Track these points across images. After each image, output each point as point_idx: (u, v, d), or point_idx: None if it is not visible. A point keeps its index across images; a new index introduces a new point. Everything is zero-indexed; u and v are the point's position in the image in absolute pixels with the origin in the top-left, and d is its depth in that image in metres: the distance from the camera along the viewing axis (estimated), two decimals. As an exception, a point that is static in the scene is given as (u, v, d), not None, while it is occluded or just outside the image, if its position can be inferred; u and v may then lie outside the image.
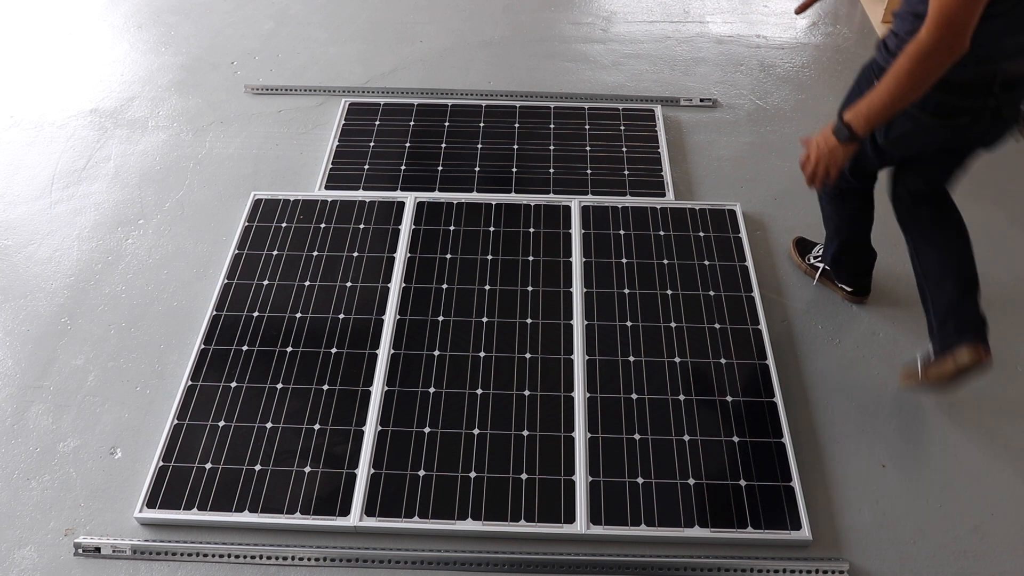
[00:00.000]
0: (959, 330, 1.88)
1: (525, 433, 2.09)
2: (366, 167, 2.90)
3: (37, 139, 3.09)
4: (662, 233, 2.61)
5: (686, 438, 2.08)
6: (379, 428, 2.10)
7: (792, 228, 2.69)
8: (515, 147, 2.99)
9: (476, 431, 2.09)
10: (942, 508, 1.99)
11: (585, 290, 2.44)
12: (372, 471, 2.01)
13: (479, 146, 3.00)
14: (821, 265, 2.47)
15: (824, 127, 1.75)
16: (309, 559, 1.90)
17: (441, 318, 2.36)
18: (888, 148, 1.88)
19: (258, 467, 2.03)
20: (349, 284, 2.46)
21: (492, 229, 2.63)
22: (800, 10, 2.10)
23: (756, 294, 2.42)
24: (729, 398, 2.16)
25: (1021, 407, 2.20)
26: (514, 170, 2.89)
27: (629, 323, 2.34)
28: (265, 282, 2.47)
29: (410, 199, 2.73)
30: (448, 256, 2.54)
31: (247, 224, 2.66)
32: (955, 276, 1.91)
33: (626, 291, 2.43)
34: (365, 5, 3.87)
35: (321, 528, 1.93)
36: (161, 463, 2.03)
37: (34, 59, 3.51)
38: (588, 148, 2.98)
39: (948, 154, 1.90)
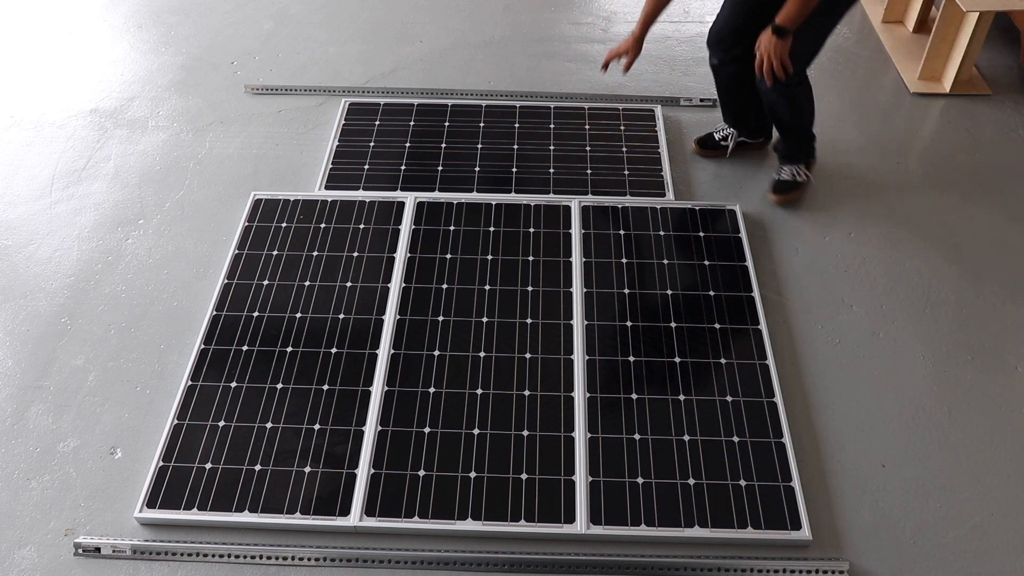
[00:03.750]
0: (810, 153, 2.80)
1: (525, 433, 2.09)
2: (366, 167, 2.90)
3: (37, 139, 3.09)
4: (662, 233, 2.61)
5: (686, 438, 2.08)
6: (379, 428, 2.10)
7: (792, 228, 2.69)
8: (515, 147, 2.99)
9: (476, 431, 2.10)
10: (942, 508, 1.99)
11: (585, 290, 2.44)
12: (372, 471, 2.01)
13: (479, 146, 3.00)
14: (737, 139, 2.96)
15: (764, 34, 2.36)
16: (309, 559, 1.90)
17: (441, 318, 2.36)
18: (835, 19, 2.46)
19: (258, 467, 2.03)
20: (349, 284, 2.46)
21: (492, 229, 2.63)
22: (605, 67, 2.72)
23: (756, 294, 2.42)
24: (729, 398, 2.16)
25: (1021, 407, 2.20)
26: (514, 170, 2.89)
27: (629, 323, 2.34)
28: (265, 282, 2.47)
29: (410, 199, 2.73)
30: (448, 256, 2.54)
31: (247, 224, 2.66)
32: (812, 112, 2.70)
33: (626, 291, 2.43)
34: (365, 5, 3.87)
35: (321, 528, 1.93)
36: (161, 463, 2.03)
37: (34, 59, 3.51)
38: (588, 148, 2.98)
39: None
